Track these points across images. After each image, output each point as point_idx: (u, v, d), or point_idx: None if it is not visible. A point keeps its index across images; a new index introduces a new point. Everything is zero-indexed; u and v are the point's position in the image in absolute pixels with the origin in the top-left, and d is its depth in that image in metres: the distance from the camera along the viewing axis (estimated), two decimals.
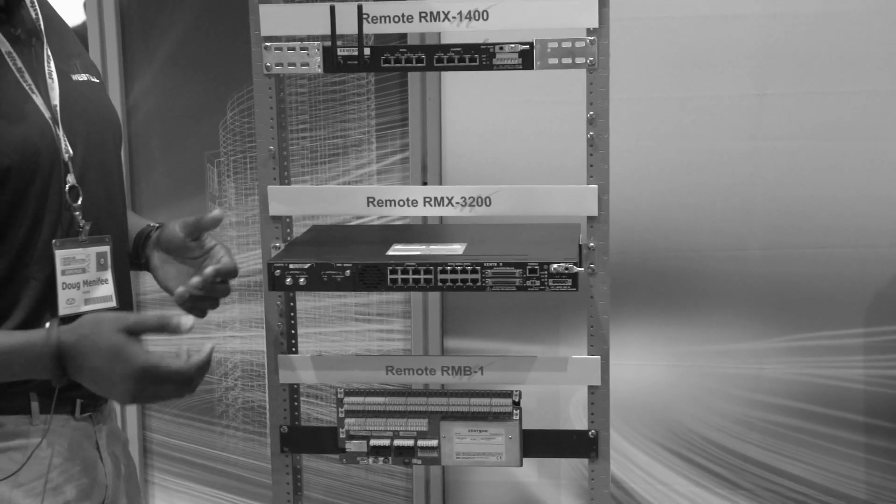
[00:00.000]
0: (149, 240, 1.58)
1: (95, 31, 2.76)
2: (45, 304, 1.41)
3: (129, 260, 1.60)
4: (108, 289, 1.48)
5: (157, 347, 1.35)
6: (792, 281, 2.52)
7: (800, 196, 2.49)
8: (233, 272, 1.49)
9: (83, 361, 1.30)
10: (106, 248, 1.47)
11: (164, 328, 1.33)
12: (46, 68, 1.44)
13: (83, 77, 1.51)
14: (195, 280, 1.44)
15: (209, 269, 1.45)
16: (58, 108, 1.42)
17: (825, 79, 2.44)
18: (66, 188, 1.41)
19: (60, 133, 1.41)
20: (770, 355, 2.55)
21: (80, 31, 2.83)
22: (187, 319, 1.34)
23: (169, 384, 1.31)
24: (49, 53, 1.46)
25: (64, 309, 1.42)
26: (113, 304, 1.48)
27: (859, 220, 2.48)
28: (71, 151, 1.42)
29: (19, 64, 1.40)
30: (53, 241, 1.41)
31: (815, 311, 2.52)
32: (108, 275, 1.48)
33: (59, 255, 1.41)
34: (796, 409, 2.56)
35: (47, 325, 1.33)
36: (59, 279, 1.41)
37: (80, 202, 1.43)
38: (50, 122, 1.41)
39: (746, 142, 2.49)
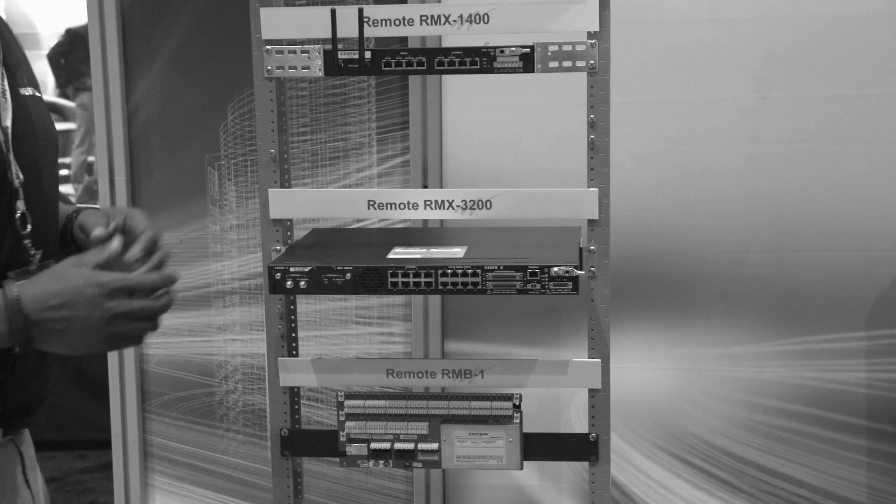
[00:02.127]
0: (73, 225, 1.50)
1: (96, 34, 2.76)
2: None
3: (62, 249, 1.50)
4: None
5: None
6: (793, 284, 2.52)
7: (801, 199, 2.49)
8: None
9: (48, 302, 1.20)
10: None
11: (109, 257, 1.28)
12: (0, 86, 1.34)
13: (29, 91, 1.40)
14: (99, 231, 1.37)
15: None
16: (9, 131, 1.33)
17: (826, 82, 2.44)
18: (17, 215, 1.32)
19: (11, 158, 1.32)
20: (771, 358, 2.55)
21: (82, 33, 2.84)
22: (114, 243, 1.29)
23: (140, 295, 1.24)
24: (2, 70, 1.35)
25: None
26: None
27: (860, 224, 2.48)
28: (21, 177, 1.32)
29: None
30: (9, 273, 1.30)
31: (817, 314, 2.52)
32: None
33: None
34: (797, 413, 2.56)
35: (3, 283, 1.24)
36: None
37: (28, 230, 1.33)
38: (2, 145, 1.31)
39: (747, 145, 2.49)
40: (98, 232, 1.37)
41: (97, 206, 1.55)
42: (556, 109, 2.46)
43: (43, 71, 6.00)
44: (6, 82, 1.36)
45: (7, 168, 1.31)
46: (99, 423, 3.15)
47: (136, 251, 1.32)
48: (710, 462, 2.61)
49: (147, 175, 2.81)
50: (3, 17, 1.40)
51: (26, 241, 1.34)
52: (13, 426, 1.38)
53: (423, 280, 1.64)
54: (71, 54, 5.72)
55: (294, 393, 1.87)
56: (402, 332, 2.71)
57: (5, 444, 1.39)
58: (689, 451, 2.62)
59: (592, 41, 1.69)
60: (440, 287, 1.64)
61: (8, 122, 1.33)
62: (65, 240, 1.51)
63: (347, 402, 1.79)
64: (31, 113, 1.39)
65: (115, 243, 1.29)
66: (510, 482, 2.70)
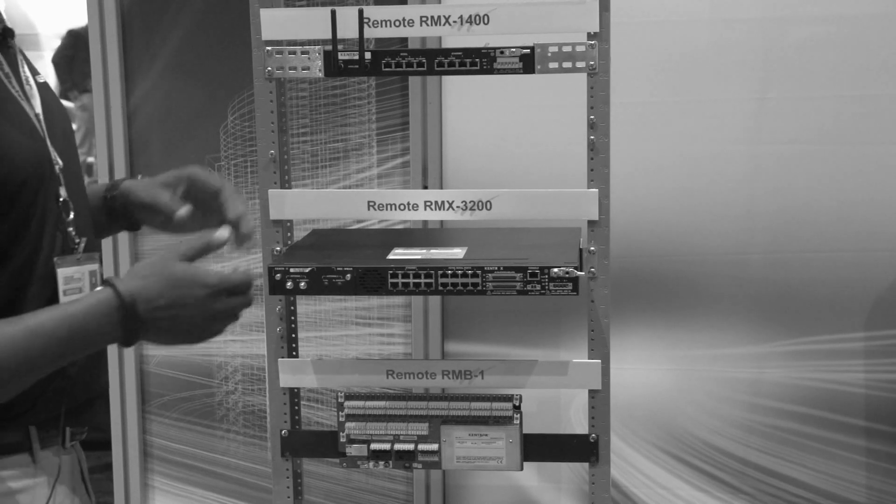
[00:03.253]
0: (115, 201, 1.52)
1: (96, 34, 2.76)
2: None
3: (108, 226, 1.53)
4: None
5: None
6: (793, 285, 2.52)
7: (800, 200, 2.49)
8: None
9: (157, 302, 1.23)
10: (96, 266, 1.39)
11: (209, 247, 1.32)
12: (22, 73, 1.34)
13: (41, 79, 1.41)
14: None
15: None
16: (41, 116, 1.33)
17: (826, 83, 2.44)
18: (60, 201, 1.32)
19: (48, 143, 1.32)
20: (771, 359, 2.55)
21: (82, 34, 2.84)
22: (222, 231, 1.32)
23: (238, 295, 1.29)
24: (23, 55, 1.36)
25: None
26: None
27: (860, 224, 2.48)
28: (60, 162, 1.33)
29: (6, 69, 1.31)
30: (55, 258, 1.31)
31: (816, 314, 2.52)
32: None
33: (61, 273, 1.32)
34: (797, 413, 2.56)
35: (98, 288, 1.24)
36: (62, 299, 1.32)
37: (71, 217, 1.34)
38: (39, 130, 1.32)
39: (747, 146, 2.49)
40: (182, 212, 1.42)
41: (134, 177, 1.58)
42: (556, 110, 2.46)
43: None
44: (27, 68, 1.36)
45: (49, 153, 1.31)
46: (99, 424, 3.15)
47: (225, 235, 1.36)
48: (710, 463, 2.61)
49: (147, 175, 2.81)
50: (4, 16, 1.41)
51: (70, 230, 1.34)
52: (80, 423, 1.38)
53: (423, 281, 1.64)
54: (76, 58, 5.69)
55: (294, 394, 1.87)
56: (402, 332, 2.71)
57: (69, 451, 1.39)
58: (690, 451, 2.62)
59: (592, 42, 1.69)
60: (440, 288, 1.64)
61: (39, 109, 1.33)
62: (112, 216, 1.52)
63: (347, 403, 1.79)
64: (50, 99, 1.39)
65: (222, 233, 1.33)
66: (510, 483, 2.70)
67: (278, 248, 1.82)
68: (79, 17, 2.83)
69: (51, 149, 1.33)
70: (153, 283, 1.23)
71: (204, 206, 1.49)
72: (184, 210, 1.44)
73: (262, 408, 2.82)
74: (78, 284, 1.35)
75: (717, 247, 2.53)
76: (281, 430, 1.85)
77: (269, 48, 1.77)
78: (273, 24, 1.75)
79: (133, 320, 1.22)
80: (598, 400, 1.79)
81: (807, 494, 2.58)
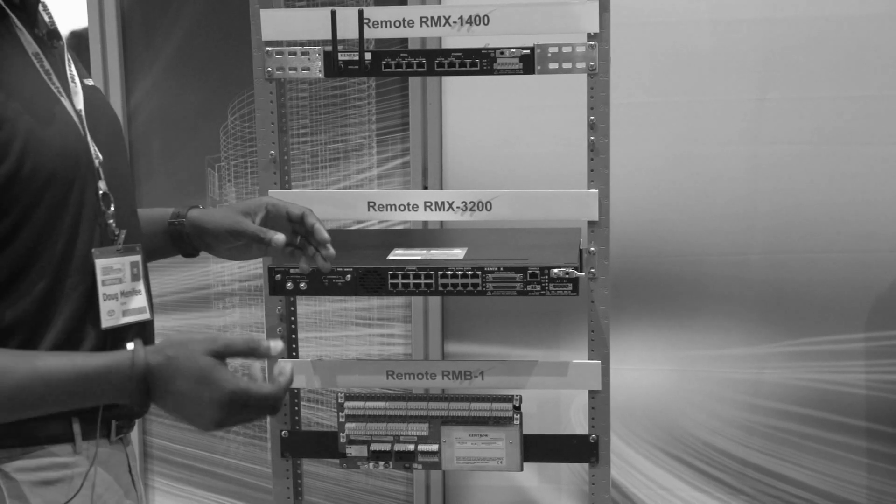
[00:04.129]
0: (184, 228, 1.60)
1: (97, 35, 2.76)
2: (86, 316, 1.35)
3: (165, 250, 1.60)
4: (142, 300, 1.42)
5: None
6: (793, 285, 2.52)
7: (800, 200, 2.49)
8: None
9: (169, 385, 1.24)
10: (138, 258, 1.42)
11: (254, 352, 1.27)
12: (68, 72, 1.40)
13: (90, 82, 1.48)
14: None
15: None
16: (83, 113, 1.38)
17: (826, 83, 2.44)
18: (100, 195, 1.36)
19: (89, 138, 1.37)
20: (771, 360, 2.55)
21: (82, 35, 2.84)
22: (276, 343, 1.28)
23: (254, 408, 1.25)
24: (70, 56, 1.42)
25: (105, 321, 1.35)
26: (147, 315, 1.42)
27: (860, 225, 2.48)
28: (101, 157, 1.38)
29: (46, 66, 1.36)
30: (93, 249, 1.35)
31: (816, 315, 2.52)
32: (141, 285, 1.42)
33: (99, 264, 1.36)
34: (797, 414, 2.56)
35: (129, 345, 1.26)
36: (100, 290, 1.35)
37: (112, 209, 1.38)
38: (79, 126, 1.37)
39: (747, 146, 2.49)
40: (280, 238, 1.49)
41: (195, 206, 1.64)
42: (556, 111, 2.46)
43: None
44: (73, 68, 1.41)
45: (88, 147, 1.36)
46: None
47: (279, 348, 1.30)
48: (710, 463, 2.61)
49: (147, 176, 2.81)
50: None
51: (111, 221, 1.38)
52: (121, 415, 1.40)
53: (423, 281, 1.64)
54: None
55: (294, 394, 1.87)
56: (402, 333, 2.71)
57: (115, 444, 1.41)
58: (689, 452, 2.62)
59: (592, 43, 1.69)
60: (440, 288, 1.64)
61: (81, 105, 1.38)
62: (175, 241, 1.60)
63: (347, 404, 1.79)
64: (96, 100, 1.45)
65: (276, 345, 1.28)
66: (510, 483, 2.70)
67: None
68: (79, 19, 2.82)
69: (91, 144, 1.37)
70: (174, 366, 1.24)
71: (282, 231, 1.55)
72: (281, 237, 1.50)
73: None
74: (118, 275, 1.39)
75: (717, 247, 2.53)
76: (281, 431, 1.85)
77: (269, 49, 1.77)
78: (273, 24, 1.76)
79: (143, 395, 1.24)
80: (598, 400, 1.78)
81: (807, 495, 2.58)
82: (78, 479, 1.33)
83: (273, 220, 1.57)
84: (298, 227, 1.57)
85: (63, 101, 1.36)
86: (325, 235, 1.54)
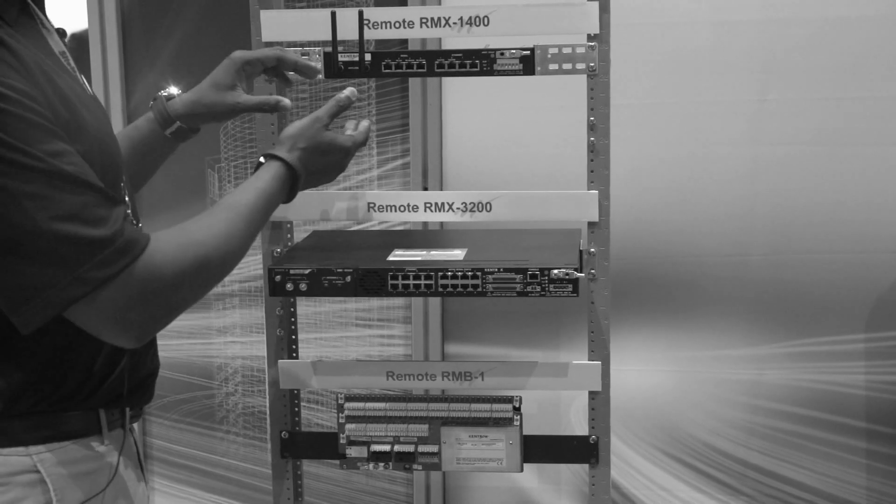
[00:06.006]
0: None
1: (97, 36, 2.76)
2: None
3: (154, 152, 1.66)
4: None
5: None
6: (793, 286, 2.52)
7: (800, 201, 2.49)
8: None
9: (312, 169, 1.53)
10: None
11: (342, 109, 1.60)
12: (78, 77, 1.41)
13: (91, 92, 1.47)
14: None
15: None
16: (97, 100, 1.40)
17: (826, 84, 2.44)
18: (122, 184, 1.38)
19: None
20: (771, 360, 2.55)
21: (82, 37, 2.84)
22: (351, 91, 1.61)
23: (351, 154, 1.59)
24: (73, 64, 1.41)
25: None
26: None
27: (860, 226, 2.48)
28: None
29: (72, 64, 1.36)
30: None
31: (817, 316, 2.52)
32: None
33: None
34: (797, 415, 2.56)
35: (261, 159, 1.49)
36: None
37: (130, 208, 1.40)
38: (110, 125, 1.38)
39: (747, 147, 2.49)
40: (286, 102, 1.63)
41: (168, 98, 1.71)
42: (556, 112, 2.46)
43: None
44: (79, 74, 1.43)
45: (119, 147, 1.39)
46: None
47: (350, 92, 1.63)
48: (710, 464, 2.61)
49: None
50: None
51: (128, 212, 1.41)
52: (136, 403, 1.44)
53: (423, 282, 1.64)
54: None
55: (294, 395, 1.87)
56: (402, 334, 2.71)
57: (127, 434, 1.43)
58: (690, 453, 2.62)
59: (592, 43, 1.69)
60: (440, 289, 1.64)
61: (91, 93, 1.39)
62: (178, 142, 1.69)
63: (347, 405, 1.79)
64: (99, 110, 1.45)
65: (350, 92, 1.62)
66: (510, 484, 2.70)
67: (278, 250, 1.82)
68: (80, 19, 2.82)
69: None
70: (310, 153, 1.52)
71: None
72: (287, 102, 1.64)
73: (262, 409, 2.82)
74: None
75: (717, 248, 2.53)
76: (281, 432, 1.85)
77: None
78: (273, 25, 1.76)
79: (297, 186, 1.51)
80: (598, 401, 1.78)
81: (807, 496, 2.58)
82: (107, 468, 1.37)
83: (250, 77, 1.67)
84: (278, 67, 1.66)
85: (99, 100, 1.38)
86: (291, 57, 1.65)
